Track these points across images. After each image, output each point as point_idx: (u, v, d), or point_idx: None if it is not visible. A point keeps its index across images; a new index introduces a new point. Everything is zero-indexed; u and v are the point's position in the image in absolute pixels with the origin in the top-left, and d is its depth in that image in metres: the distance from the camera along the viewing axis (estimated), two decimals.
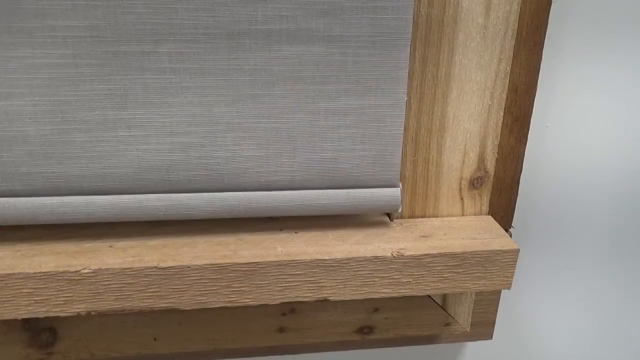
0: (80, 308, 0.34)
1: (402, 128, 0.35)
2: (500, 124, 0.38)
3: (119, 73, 0.32)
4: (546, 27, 0.35)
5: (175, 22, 0.31)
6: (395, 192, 0.37)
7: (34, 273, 0.32)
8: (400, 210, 0.37)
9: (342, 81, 0.33)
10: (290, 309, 0.43)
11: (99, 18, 0.30)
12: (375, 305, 0.44)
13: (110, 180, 0.34)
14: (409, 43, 0.33)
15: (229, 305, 0.35)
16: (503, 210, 0.41)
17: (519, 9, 0.35)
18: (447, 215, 0.41)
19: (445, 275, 0.36)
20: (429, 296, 0.45)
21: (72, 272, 0.33)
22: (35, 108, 0.32)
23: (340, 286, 0.36)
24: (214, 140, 0.34)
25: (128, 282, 0.33)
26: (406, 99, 0.35)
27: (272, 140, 0.34)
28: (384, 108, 0.34)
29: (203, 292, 0.34)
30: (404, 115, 0.35)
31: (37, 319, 0.40)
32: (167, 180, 0.35)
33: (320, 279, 0.35)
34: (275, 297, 0.35)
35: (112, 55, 0.31)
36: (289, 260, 0.34)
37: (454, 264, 0.36)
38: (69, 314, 0.34)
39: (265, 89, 0.33)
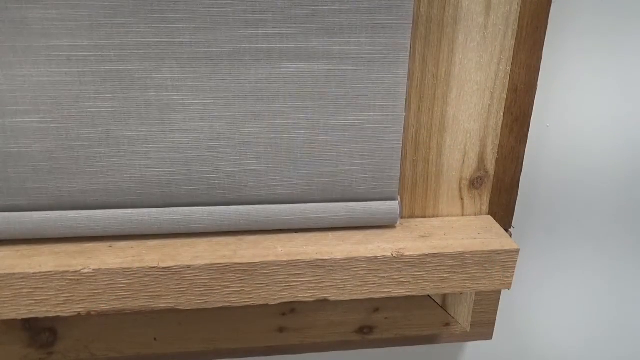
0: (80, 308, 0.34)
1: (401, 143, 0.36)
2: (500, 124, 0.38)
3: (122, 91, 0.32)
4: (546, 27, 0.35)
5: (177, 40, 0.31)
6: (394, 205, 0.37)
7: (34, 273, 0.32)
8: (398, 223, 0.38)
9: (341, 97, 0.34)
10: (290, 309, 0.43)
11: (103, 37, 0.31)
12: (375, 305, 0.44)
13: (113, 195, 0.35)
14: (407, 60, 0.33)
15: (229, 305, 0.35)
16: (503, 210, 0.41)
17: (519, 9, 0.35)
18: (447, 215, 0.41)
19: (445, 275, 0.36)
20: (429, 296, 0.45)
21: (72, 272, 0.33)
22: (40, 125, 0.32)
23: (340, 286, 0.36)
24: (215, 155, 0.34)
25: (128, 282, 0.33)
26: (404, 114, 0.35)
27: (272, 155, 0.35)
28: (382, 124, 0.35)
29: (203, 292, 0.34)
30: (402, 131, 0.35)
31: (37, 319, 0.40)
32: (169, 194, 0.35)
33: (320, 279, 0.35)
34: (275, 297, 0.35)
35: (116, 73, 0.32)
36: (289, 260, 0.34)
37: (454, 264, 0.36)
38: (69, 314, 0.34)
39: (265, 105, 0.33)
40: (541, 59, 0.36)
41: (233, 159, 0.35)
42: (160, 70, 0.32)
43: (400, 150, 0.36)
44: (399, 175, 0.37)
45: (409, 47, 0.33)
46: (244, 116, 0.34)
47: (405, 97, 0.34)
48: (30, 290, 0.33)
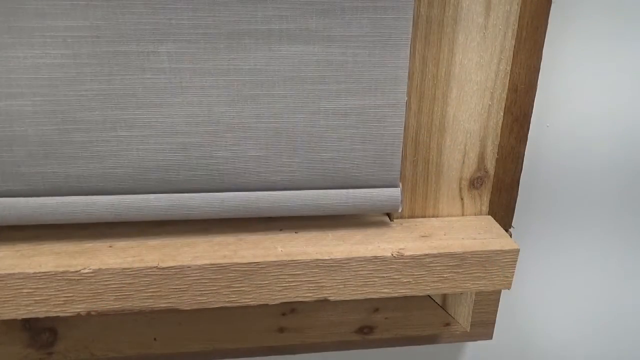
0: (80, 308, 0.34)
1: (402, 128, 0.35)
2: (500, 124, 0.38)
3: (119, 73, 0.32)
4: (546, 27, 0.35)
5: (175, 22, 0.31)
6: (395, 192, 0.37)
7: (34, 273, 0.32)
8: (400, 210, 0.37)
9: (342, 81, 0.33)
10: (290, 309, 0.43)
11: (99, 18, 0.30)
12: (375, 305, 0.44)
13: (111, 180, 0.34)
14: (409, 43, 0.33)
15: (229, 305, 0.35)
16: (503, 210, 0.41)
17: (519, 9, 0.35)
18: (447, 215, 0.41)
19: (445, 275, 0.36)
20: (429, 296, 0.45)
21: (72, 272, 0.33)
22: (35, 108, 0.32)
23: (340, 286, 0.36)
24: (214, 140, 0.34)
25: (128, 282, 0.33)
26: (406, 99, 0.35)
27: (272, 140, 0.34)
28: (384, 108, 0.34)
29: (203, 292, 0.34)
30: (404, 115, 0.35)
31: (37, 319, 0.40)
32: (167, 180, 0.35)
33: (320, 279, 0.35)
34: (275, 297, 0.35)
35: (112, 55, 0.31)
36: (289, 260, 0.34)
37: (454, 264, 0.36)
38: (69, 314, 0.34)
39: (265, 89, 0.33)
40: (541, 59, 0.36)
41: (232, 144, 0.34)
42: (158, 52, 0.31)
43: (402, 135, 0.35)
44: (400, 161, 0.36)
45: (410, 30, 0.32)
46: (243, 100, 0.33)
47: (406, 81, 0.34)
48: (30, 290, 0.33)
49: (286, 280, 0.35)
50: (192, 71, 0.32)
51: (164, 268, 0.33)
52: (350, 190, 0.36)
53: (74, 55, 0.31)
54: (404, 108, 0.35)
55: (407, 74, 0.34)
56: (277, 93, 0.33)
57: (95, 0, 0.30)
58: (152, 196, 0.35)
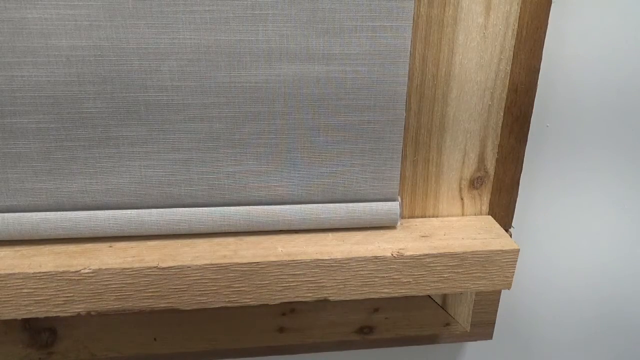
0: (80, 308, 0.34)
1: (401, 143, 0.36)
2: (500, 124, 0.38)
3: (122, 91, 0.32)
4: (546, 27, 0.35)
5: (177, 41, 0.31)
6: (394, 205, 0.37)
7: (34, 273, 0.32)
8: (398, 224, 0.38)
9: (342, 98, 0.34)
10: (290, 309, 0.43)
11: (102, 38, 0.31)
12: (375, 305, 0.44)
13: (113, 196, 0.35)
14: (408, 61, 0.33)
15: (229, 305, 0.35)
16: (503, 210, 0.41)
17: (519, 9, 0.35)
18: (447, 215, 0.41)
19: (445, 275, 0.36)
20: (429, 296, 0.45)
21: (72, 272, 0.33)
22: (39, 125, 0.32)
23: (340, 286, 0.36)
24: (215, 155, 0.34)
25: (128, 282, 0.33)
26: (405, 114, 0.35)
27: (272, 155, 0.35)
28: (382, 124, 0.35)
29: (203, 292, 0.34)
30: (402, 131, 0.35)
31: (37, 319, 0.40)
32: (169, 194, 0.35)
33: (320, 279, 0.35)
34: (275, 297, 0.35)
35: (115, 73, 0.32)
36: (289, 260, 0.34)
37: (454, 264, 0.36)
38: (69, 314, 0.34)
39: (265, 105, 0.33)
40: (541, 59, 0.36)
41: (233, 159, 0.35)
42: (160, 70, 0.32)
43: (401, 150, 0.36)
44: (399, 175, 0.37)
45: (409, 47, 0.33)
46: (243, 116, 0.34)
47: (405, 97, 0.34)
48: (30, 290, 0.33)
49: (286, 280, 0.35)
50: (194, 89, 0.33)
51: (164, 268, 0.33)
52: (350, 204, 0.37)
53: (78, 74, 0.31)
54: (403, 124, 0.35)
55: (405, 90, 0.34)
56: (277, 110, 0.34)
57: (98, 20, 0.30)
58: (154, 211, 0.35)
